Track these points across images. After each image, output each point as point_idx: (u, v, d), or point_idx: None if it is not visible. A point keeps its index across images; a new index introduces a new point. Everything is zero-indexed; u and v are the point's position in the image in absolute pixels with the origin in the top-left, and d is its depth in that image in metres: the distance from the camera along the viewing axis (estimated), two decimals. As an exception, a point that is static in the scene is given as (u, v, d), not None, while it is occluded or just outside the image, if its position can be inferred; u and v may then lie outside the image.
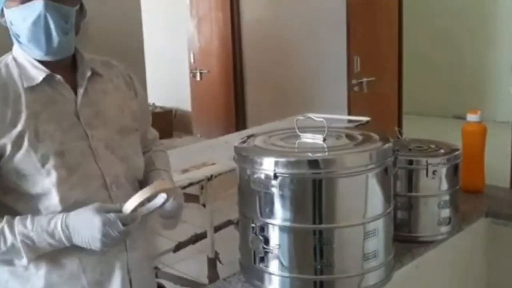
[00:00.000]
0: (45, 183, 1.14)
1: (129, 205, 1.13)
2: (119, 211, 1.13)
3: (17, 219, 1.12)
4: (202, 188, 2.63)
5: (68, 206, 1.14)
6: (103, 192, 1.20)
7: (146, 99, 1.44)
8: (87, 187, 1.18)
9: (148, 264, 1.36)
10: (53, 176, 1.14)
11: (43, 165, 1.14)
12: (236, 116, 5.67)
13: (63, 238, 1.12)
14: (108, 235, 1.10)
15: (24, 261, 1.13)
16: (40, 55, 1.17)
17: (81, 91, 1.22)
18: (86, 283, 1.20)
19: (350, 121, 3.72)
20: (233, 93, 5.67)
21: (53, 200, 1.14)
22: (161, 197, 1.19)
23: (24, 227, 1.11)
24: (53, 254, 1.17)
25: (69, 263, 1.19)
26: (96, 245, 1.11)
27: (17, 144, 1.13)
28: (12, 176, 1.14)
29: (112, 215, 1.11)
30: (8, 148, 1.12)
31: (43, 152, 1.14)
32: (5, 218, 1.12)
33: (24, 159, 1.13)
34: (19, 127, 1.13)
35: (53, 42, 1.15)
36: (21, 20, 1.14)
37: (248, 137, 1.33)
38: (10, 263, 1.16)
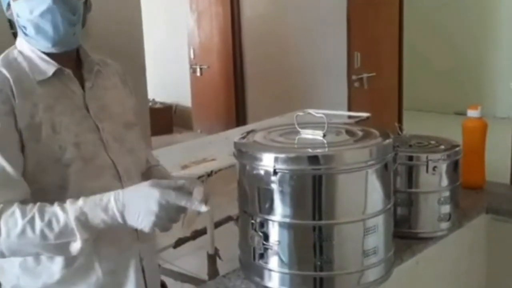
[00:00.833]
0: (63, 175, 1.14)
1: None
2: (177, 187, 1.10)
3: (68, 200, 1.09)
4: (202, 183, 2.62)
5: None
6: (116, 183, 1.21)
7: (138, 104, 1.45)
8: (101, 178, 1.19)
9: (155, 257, 1.39)
10: (71, 167, 1.15)
11: (61, 157, 1.14)
12: (236, 112, 5.67)
13: (117, 213, 1.07)
14: (164, 209, 1.05)
15: (78, 244, 1.07)
16: (47, 46, 1.17)
17: (89, 85, 1.24)
18: (101, 273, 1.20)
19: (350, 117, 3.72)
20: (233, 88, 5.66)
21: (71, 191, 1.14)
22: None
23: (76, 204, 1.08)
24: None
25: (85, 254, 1.17)
26: (149, 219, 1.05)
27: (35, 136, 1.13)
28: (31, 169, 1.13)
29: (170, 191, 1.07)
30: (27, 140, 1.12)
31: (60, 143, 1.15)
32: (56, 202, 1.09)
33: (43, 151, 1.13)
34: (37, 119, 1.13)
35: (60, 34, 1.15)
36: (28, 12, 1.14)
37: (248, 132, 1.32)
38: (64, 250, 1.09)
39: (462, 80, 7.39)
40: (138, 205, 1.07)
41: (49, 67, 1.18)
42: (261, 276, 1.21)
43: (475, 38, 7.29)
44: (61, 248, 1.08)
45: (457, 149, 1.51)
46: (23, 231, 1.05)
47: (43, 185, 1.14)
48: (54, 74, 1.18)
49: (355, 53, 4.35)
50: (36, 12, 1.13)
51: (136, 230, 1.24)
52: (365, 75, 4.43)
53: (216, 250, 2.80)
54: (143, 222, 1.07)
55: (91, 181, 1.17)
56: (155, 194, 1.06)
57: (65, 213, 1.07)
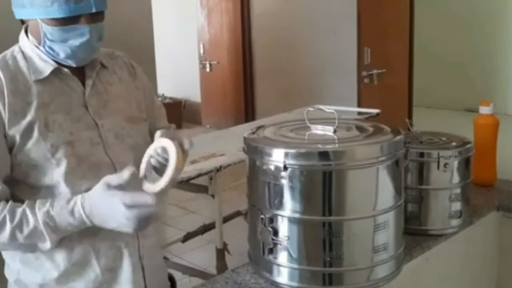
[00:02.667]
0: (55, 172, 1.14)
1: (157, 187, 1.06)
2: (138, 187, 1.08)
3: (37, 201, 1.11)
4: (211, 179, 2.63)
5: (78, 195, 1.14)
6: None
7: (152, 88, 1.43)
8: (96, 176, 1.16)
9: (159, 252, 1.37)
10: (63, 165, 1.14)
11: (53, 155, 1.14)
12: (245, 107, 5.67)
13: (84, 217, 1.09)
14: (136, 220, 1.05)
15: (48, 244, 1.11)
16: (71, 64, 1.19)
17: (89, 82, 1.23)
18: (99, 270, 1.20)
19: (360, 113, 3.70)
20: (243, 84, 5.66)
21: (63, 189, 1.15)
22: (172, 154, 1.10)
23: (45, 207, 1.10)
24: (66, 242, 1.17)
25: (82, 250, 1.19)
26: (121, 222, 1.06)
27: (27, 133, 1.13)
28: (22, 166, 1.14)
29: (127, 194, 1.05)
30: (18, 138, 1.13)
31: (53, 141, 1.14)
32: (26, 202, 1.12)
33: (35, 148, 1.13)
34: (28, 117, 1.14)
35: (91, 58, 1.21)
36: (62, 39, 1.14)
37: (258, 128, 1.32)
38: (33, 248, 1.14)
39: (473, 76, 7.32)
40: (103, 210, 1.07)
41: (47, 67, 1.18)
42: (270, 271, 1.21)
43: (486, 34, 7.21)
44: (30, 246, 1.13)
45: (468, 146, 1.49)
46: None
47: (34, 183, 1.14)
48: (52, 72, 1.18)
49: (365, 49, 4.33)
50: (73, 42, 1.14)
51: None
52: (375, 71, 4.40)
53: (225, 244, 2.81)
54: (117, 225, 1.07)
55: (85, 179, 1.16)
56: (116, 201, 1.05)
57: (34, 216, 1.09)
